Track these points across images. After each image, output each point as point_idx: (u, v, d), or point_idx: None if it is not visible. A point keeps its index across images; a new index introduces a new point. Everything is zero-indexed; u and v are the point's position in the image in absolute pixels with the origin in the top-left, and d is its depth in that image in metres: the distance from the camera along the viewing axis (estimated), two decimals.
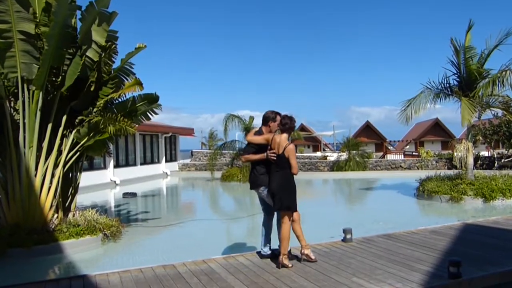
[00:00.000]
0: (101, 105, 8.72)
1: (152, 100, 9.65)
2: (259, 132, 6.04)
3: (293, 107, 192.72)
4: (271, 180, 5.69)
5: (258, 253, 6.31)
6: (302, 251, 5.88)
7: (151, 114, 9.95)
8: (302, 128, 57.69)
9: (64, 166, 8.66)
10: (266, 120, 5.99)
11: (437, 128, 55.39)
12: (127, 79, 9.49)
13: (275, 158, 5.64)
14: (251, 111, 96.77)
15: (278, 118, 5.91)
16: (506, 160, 24.98)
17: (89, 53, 8.49)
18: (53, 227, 8.16)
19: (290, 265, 5.65)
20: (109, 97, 8.87)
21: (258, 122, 34.21)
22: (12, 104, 8.36)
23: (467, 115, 12.75)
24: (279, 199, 5.61)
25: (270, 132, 5.94)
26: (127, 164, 25.15)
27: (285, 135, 5.72)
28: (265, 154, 5.71)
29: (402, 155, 36.15)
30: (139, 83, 9.02)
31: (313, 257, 5.89)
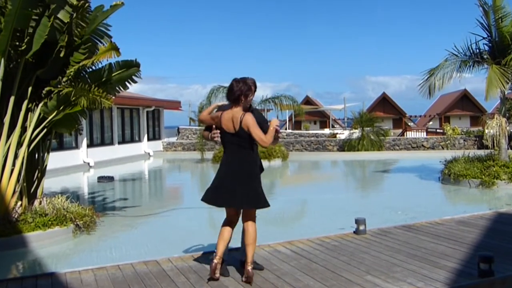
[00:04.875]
0: (72, 73, 8.63)
1: (131, 67, 9.54)
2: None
3: (297, 77, 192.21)
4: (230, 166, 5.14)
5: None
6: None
7: (129, 83, 9.82)
8: (308, 101, 57.61)
9: (29, 145, 8.61)
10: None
11: (465, 101, 55.37)
12: (102, 43, 9.38)
13: (218, 140, 5.15)
14: None
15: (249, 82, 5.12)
16: None
17: (59, 13, 8.34)
18: (16, 216, 8.15)
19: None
20: (81, 64, 8.78)
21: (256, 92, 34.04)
22: None
23: (494, 87, 12.62)
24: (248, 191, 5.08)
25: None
26: (102, 143, 25.13)
27: (237, 109, 5.04)
28: (210, 134, 5.21)
29: (425, 133, 36.25)
30: (115, 48, 8.90)
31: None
